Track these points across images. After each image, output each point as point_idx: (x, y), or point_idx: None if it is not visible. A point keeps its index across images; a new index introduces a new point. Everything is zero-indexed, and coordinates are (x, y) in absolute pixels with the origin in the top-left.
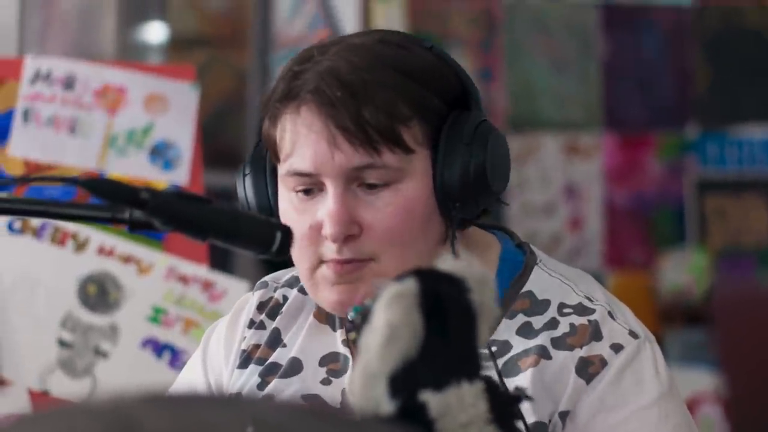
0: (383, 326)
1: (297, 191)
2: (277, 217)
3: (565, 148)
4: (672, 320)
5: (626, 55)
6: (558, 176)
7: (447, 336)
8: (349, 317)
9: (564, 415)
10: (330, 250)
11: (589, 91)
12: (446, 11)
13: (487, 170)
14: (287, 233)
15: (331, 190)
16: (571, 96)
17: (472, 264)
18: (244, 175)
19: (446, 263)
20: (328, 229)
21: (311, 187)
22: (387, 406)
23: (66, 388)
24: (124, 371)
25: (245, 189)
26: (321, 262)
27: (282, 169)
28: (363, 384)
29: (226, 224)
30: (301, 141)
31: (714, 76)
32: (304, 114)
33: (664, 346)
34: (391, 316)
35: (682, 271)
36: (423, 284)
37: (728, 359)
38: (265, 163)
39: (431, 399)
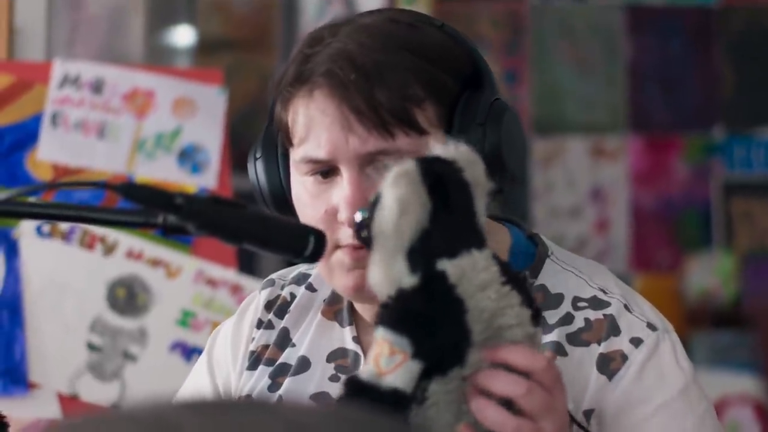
0: (393, 202)
1: (311, 175)
2: (290, 200)
3: (591, 151)
4: (699, 323)
5: (651, 57)
6: (584, 179)
7: (450, 209)
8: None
9: (589, 414)
10: (346, 235)
11: (614, 93)
12: (472, 13)
13: (502, 149)
14: (320, 238)
15: (346, 174)
16: (597, 98)
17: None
18: (255, 159)
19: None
20: (343, 215)
21: (325, 169)
22: (408, 280)
23: (95, 392)
24: (153, 375)
25: (257, 173)
26: (336, 247)
27: (296, 155)
28: (383, 265)
29: (259, 229)
30: (315, 126)
31: (740, 77)
32: (316, 97)
33: (691, 348)
34: (399, 192)
35: (709, 273)
36: (421, 164)
37: None
38: (276, 145)
39: (448, 266)
